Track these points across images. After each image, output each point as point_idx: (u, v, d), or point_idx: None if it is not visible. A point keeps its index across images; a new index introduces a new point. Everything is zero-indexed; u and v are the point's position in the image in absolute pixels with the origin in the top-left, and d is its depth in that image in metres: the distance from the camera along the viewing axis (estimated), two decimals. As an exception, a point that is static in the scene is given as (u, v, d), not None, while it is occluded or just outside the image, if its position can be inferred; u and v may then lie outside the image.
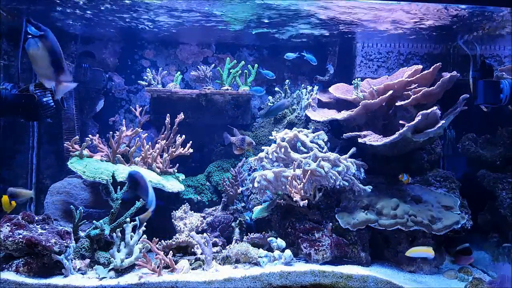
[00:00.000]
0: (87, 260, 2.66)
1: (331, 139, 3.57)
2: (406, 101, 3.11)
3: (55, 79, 2.29)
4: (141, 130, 3.66)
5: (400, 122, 3.06)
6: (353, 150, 3.15)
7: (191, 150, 3.58)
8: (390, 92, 3.19)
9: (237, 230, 3.23)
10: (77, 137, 3.47)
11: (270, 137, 3.63)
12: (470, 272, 2.90)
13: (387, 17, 3.29)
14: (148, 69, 3.96)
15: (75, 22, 3.58)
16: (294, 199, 2.89)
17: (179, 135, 3.59)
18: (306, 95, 3.88)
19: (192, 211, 3.39)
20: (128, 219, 2.76)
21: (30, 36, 2.18)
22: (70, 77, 2.41)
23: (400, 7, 3.05)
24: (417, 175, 3.50)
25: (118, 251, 2.69)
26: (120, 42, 4.18)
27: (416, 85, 3.21)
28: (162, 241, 2.98)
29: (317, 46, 4.14)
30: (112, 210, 2.84)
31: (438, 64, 3.18)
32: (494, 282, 2.69)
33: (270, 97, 4.10)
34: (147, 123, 3.94)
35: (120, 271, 2.60)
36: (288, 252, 2.82)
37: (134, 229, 2.75)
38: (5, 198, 2.33)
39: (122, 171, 3.18)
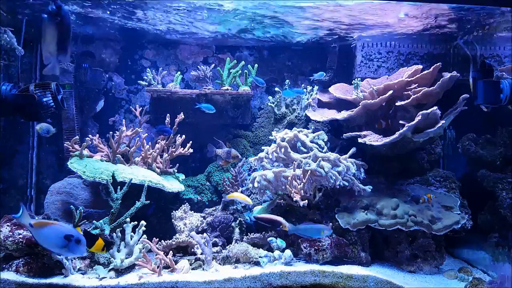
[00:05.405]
0: (87, 260, 2.67)
1: (331, 139, 3.57)
2: (406, 101, 3.11)
3: (56, 56, 2.40)
4: (141, 130, 3.66)
5: (400, 122, 3.06)
6: (353, 150, 3.15)
7: (191, 150, 3.58)
8: (390, 92, 3.19)
9: (237, 230, 3.23)
10: (77, 137, 3.46)
11: (270, 137, 3.63)
12: (470, 272, 2.90)
13: (388, 19, 3.29)
14: (148, 69, 3.95)
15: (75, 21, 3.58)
16: (294, 199, 2.89)
17: (179, 135, 3.60)
18: (306, 95, 3.88)
19: (192, 211, 3.39)
20: (128, 219, 2.76)
21: (48, 13, 2.32)
22: (69, 58, 2.50)
23: (400, 8, 3.06)
24: (417, 175, 3.50)
25: (118, 251, 2.69)
26: (120, 42, 4.17)
27: (416, 85, 3.20)
28: (162, 241, 2.98)
29: (317, 46, 4.14)
30: (112, 210, 2.84)
31: (438, 64, 3.18)
32: (494, 282, 2.69)
33: (270, 97, 4.10)
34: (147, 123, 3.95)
35: (120, 271, 2.61)
36: (288, 252, 2.82)
37: (134, 229, 2.75)
38: (100, 242, 2.32)
39: (122, 171, 3.18)
